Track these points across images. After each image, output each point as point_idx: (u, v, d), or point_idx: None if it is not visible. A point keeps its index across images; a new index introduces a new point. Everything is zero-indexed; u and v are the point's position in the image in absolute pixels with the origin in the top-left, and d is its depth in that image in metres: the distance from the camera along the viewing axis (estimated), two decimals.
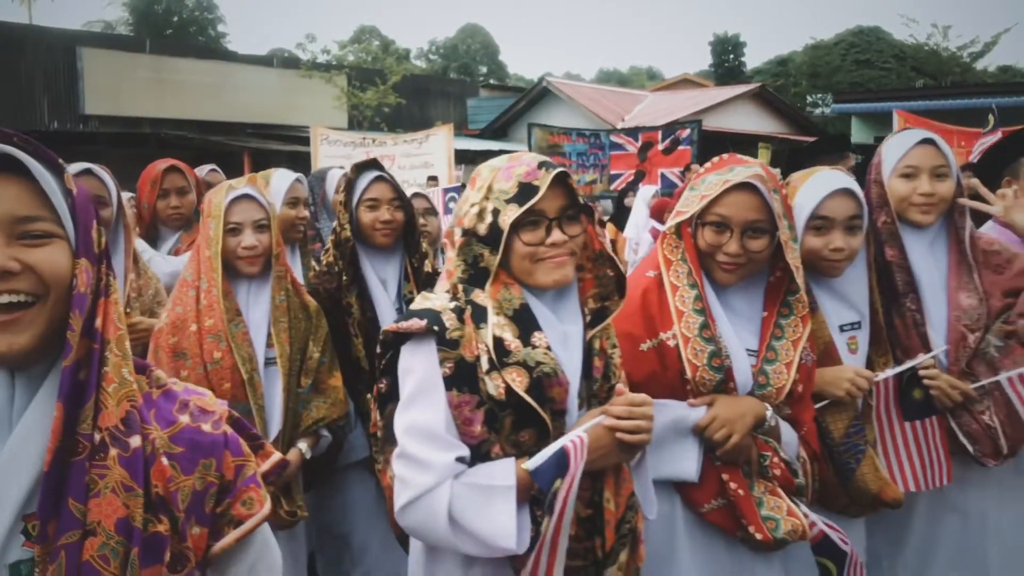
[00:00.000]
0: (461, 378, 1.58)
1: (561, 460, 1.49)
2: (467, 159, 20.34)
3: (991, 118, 9.23)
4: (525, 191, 1.59)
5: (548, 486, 1.47)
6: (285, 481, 2.35)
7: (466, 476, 1.57)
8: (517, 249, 1.62)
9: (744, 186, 1.94)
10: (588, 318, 1.73)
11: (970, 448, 2.31)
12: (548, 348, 1.61)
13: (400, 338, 1.65)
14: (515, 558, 1.54)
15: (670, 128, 14.99)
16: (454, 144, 20.13)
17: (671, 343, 1.96)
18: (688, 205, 2.02)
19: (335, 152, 13.52)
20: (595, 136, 15.31)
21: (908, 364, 2.29)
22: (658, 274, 2.05)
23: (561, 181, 1.62)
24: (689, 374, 1.94)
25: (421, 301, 1.67)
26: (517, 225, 1.61)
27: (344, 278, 2.62)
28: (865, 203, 2.27)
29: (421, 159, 13.48)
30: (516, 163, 1.65)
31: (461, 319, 1.62)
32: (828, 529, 2.00)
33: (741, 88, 25.79)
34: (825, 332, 2.29)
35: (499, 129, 22.90)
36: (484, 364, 1.58)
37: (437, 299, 1.67)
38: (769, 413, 1.97)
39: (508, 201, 1.60)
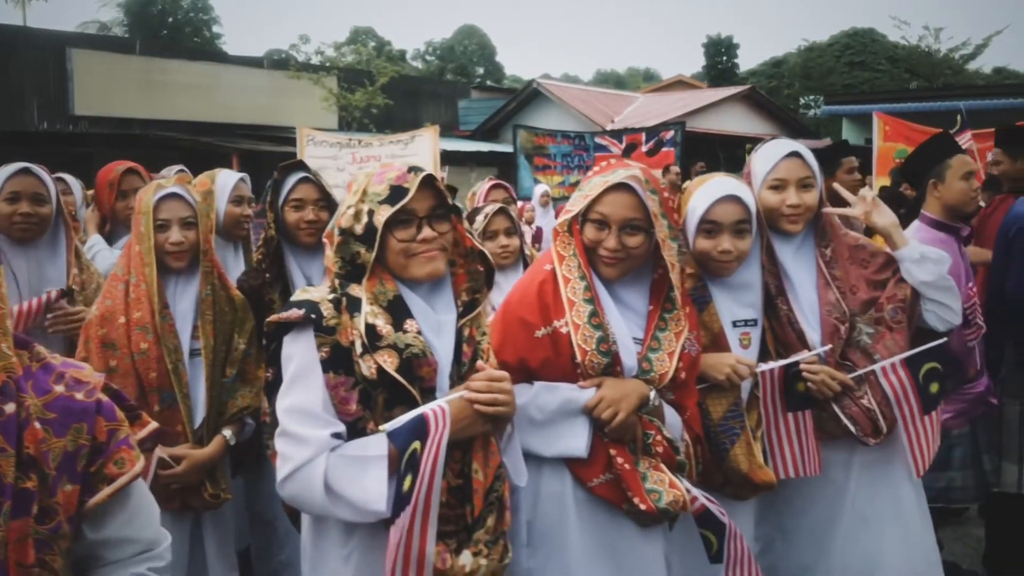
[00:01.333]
0: (337, 361, 1.74)
1: (419, 424, 1.65)
2: (457, 160, 20.47)
3: (959, 119, 9.36)
4: (396, 193, 1.75)
5: (404, 446, 1.62)
6: (210, 466, 2.49)
7: (342, 449, 1.73)
8: (392, 246, 1.79)
9: (623, 187, 2.09)
10: (461, 308, 1.89)
11: (852, 429, 2.47)
12: (419, 334, 1.77)
13: (282, 328, 1.79)
14: (390, 523, 1.67)
15: (654, 130, 15.14)
16: (445, 145, 20.32)
17: (563, 330, 2.11)
18: (575, 204, 2.18)
19: (321, 153, 13.58)
20: (580, 138, 15.43)
21: (792, 359, 2.45)
22: (553, 267, 2.20)
23: (429, 184, 1.77)
24: (579, 358, 2.09)
25: (301, 294, 1.83)
26: (391, 224, 1.76)
27: (268, 275, 2.76)
28: (753, 209, 2.41)
29: (407, 160, 13.48)
30: (388, 169, 1.82)
31: (338, 308, 1.78)
32: (708, 503, 2.16)
33: (732, 90, 25.96)
34: (716, 324, 2.44)
35: (490, 130, 23.04)
36: (358, 348, 1.74)
37: (316, 292, 1.84)
38: (652, 394, 2.12)
39: (381, 202, 1.76)
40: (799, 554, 2.63)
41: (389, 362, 1.71)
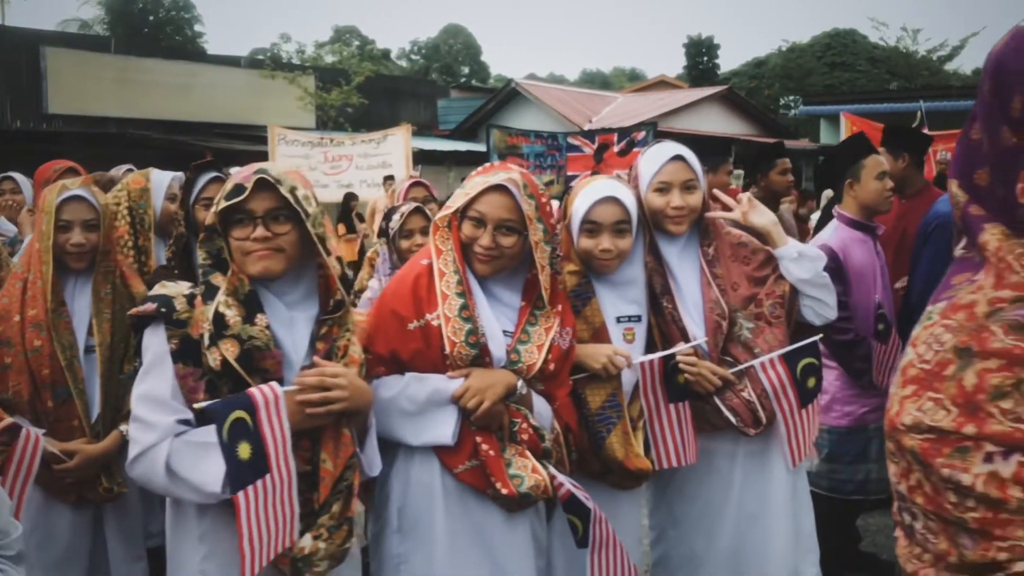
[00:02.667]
0: (186, 353, 1.82)
1: (241, 399, 1.73)
2: (436, 159, 20.57)
3: (919, 115, 9.47)
4: (235, 191, 1.82)
5: (222, 417, 1.70)
6: (104, 461, 2.54)
7: (186, 435, 1.82)
8: (232, 243, 1.86)
9: (502, 189, 2.17)
10: (330, 307, 1.95)
11: (733, 420, 2.55)
12: (267, 327, 1.84)
13: (143, 321, 1.86)
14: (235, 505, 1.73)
15: (627, 131, 15.21)
16: (423, 144, 20.38)
17: (435, 323, 2.18)
18: (455, 201, 2.25)
19: (293, 152, 13.73)
20: (553, 138, 15.46)
21: (669, 351, 2.52)
22: (430, 262, 2.27)
23: (267, 186, 1.83)
24: (448, 350, 2.16)
25: (159, 288, 1.90)
26: (231, 222, 1.84)
27: (176, 272, 2.81)
28: (633, 209, 2.48)
29: (379, 159, 13.68)
30: (245, 168, 1.87)
31: (191, 303, 1.86)
32: (575, 489, 2.23)
33: (709, 90, 26.10)
34: (598, 319, 2.51)
35: (469, 130, 23.11)
36: (206, 340, 1.81)
37: (175, 287, 1.90)
38: (520, 384, 2.20)
39: (224, 199, 1.82)
40: (689, 542, 2.71)
41: (230, 351, 1.79)
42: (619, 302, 2.56)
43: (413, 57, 57.87)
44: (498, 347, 2.21)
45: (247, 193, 1.80)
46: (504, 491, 2.11)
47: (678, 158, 2.60)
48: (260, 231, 1.83)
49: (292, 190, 1.84)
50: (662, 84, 33.81)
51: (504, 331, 2.25)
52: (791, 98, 33.57)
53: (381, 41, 55.81)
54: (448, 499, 2.18)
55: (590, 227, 2.45)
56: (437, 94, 26.24)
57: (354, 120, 18.98)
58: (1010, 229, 1.01)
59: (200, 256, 1.88)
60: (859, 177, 3.65)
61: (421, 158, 19.12)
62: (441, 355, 2.18)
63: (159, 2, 37.91)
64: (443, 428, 2.15)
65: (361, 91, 19.30)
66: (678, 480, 2.70)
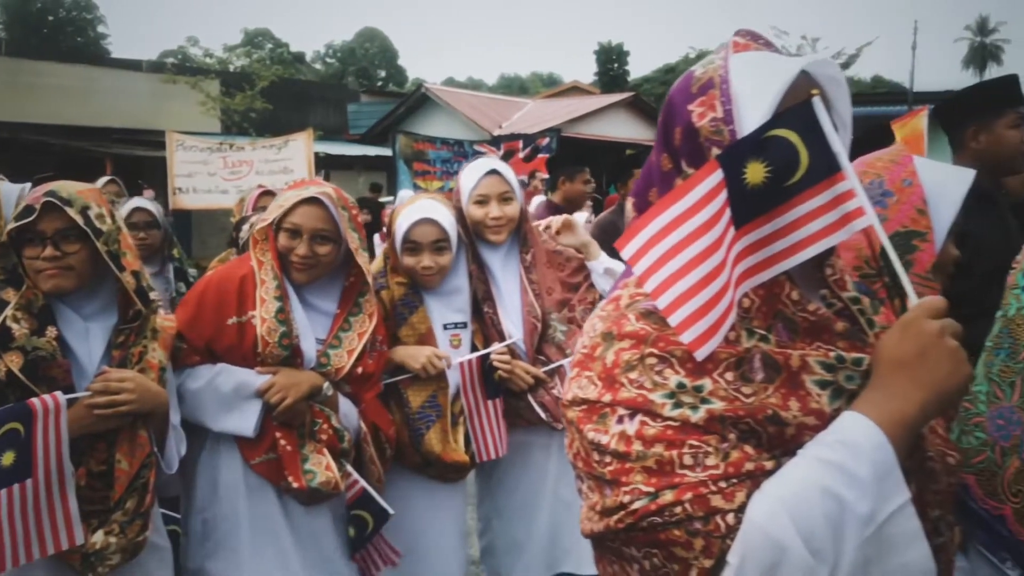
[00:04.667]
0: None
1: (15, 410, 1.85)
2: (344, 164, 20.49)
3: None
4: (25, 212, 1.95)
5: None
6: None
7: None
8: (24, 261, 1.99)
9: (315, 200, 2.34)
10: (129, 317, 2.08)
11: (543, 415, 2.76)
12: (56, 338, 1.96)
13: None
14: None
15: (531, 137, 15.52)
16: (332, 149, 20.26)
17: (253, 322, 2.32)
18: (271, 213, 2.41)
19: (191, 158, 13.49)
20: (459, 144, 15.69)
21: (484, 351, 2.73)
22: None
23: (54, 208, 1.94)
24: (260, 348, 2.31)
25: None
26: (22, 242, 1.96)
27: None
28: (450, 227, 2.68)
29: (280, 164, 13.54)
30: (38, 189, 1.99)
31: None
32: (370, 490, 2.41)
33: (616, 97, 26.68)
34: (424, 325, 2.71)
35: (380, 135, 23.09)
36: None
37: None
38: (326, 386, 2.35)
39: (15, 220, 1.94)
40: (512, 530, 2.91)
41: (15, 362, 1.90)
42: (446, 310, 2.77)
43: (328, 60, 57.33)
44: (310, 349, 2.37)
45: (35, 215, 1.92)
46: (295, 484, 2.27)
47: (494, 172, 2.81)
48: (49, 251, 1.94)
49: (84, 210, 1.95)
50: (575, 90, 34.35)
51: (317, 338, 2.41)
52: None
53: (295, 44, 54.97)
54: (250, 490, 2.32)
55: (411, 246, 2.64)
56: (348, 99, 26.12)
57: (260, 125, 18.72)
58: None
59: None
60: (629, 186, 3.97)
61: (329, 163, 19.04)
62: (254, 352, 2.32)
63: (59, 2, 36.61)
64: (246, 420, 2.29)
65: (268, 96, 19.07)
66: (499, 473, 2.91)
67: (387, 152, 20.44)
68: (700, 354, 1.03)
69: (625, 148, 19.46)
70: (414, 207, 2.68)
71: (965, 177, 1.64)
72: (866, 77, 38.11)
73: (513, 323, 2.79)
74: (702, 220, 1.05)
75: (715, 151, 1.13)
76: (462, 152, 15.59)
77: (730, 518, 1.02)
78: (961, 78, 53.46)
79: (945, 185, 1.64)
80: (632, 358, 1.12)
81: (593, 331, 1.19)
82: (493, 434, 2.74)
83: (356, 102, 25.84)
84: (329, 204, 2.34)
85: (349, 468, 2.38)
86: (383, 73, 56.67)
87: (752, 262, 1.09)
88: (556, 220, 2.95)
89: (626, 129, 24.80)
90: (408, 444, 2.65)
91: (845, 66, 33.40)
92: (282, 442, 2.29)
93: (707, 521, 1.02)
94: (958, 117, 3.26)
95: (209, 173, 13.30)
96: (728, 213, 1.06)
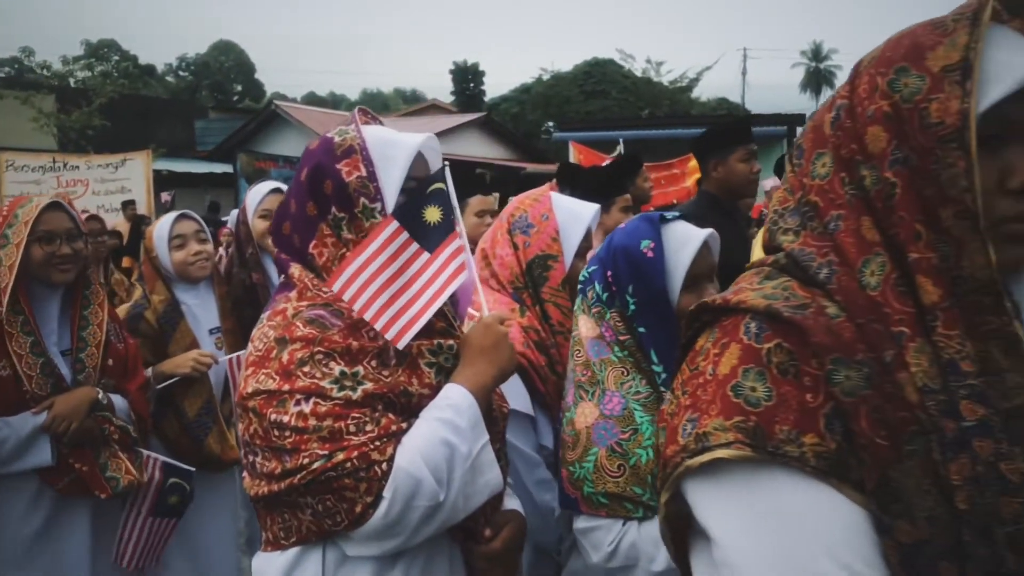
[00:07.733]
0: None
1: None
2: (191, 182, 20.07)
3: (618, 148, 10.73)
4: None
5: None
6: None
7: None
8: None
9: (57, 207, 2.50)
10: None
11: None
12: None
13: None
14: None
15: None
16: (177, 167, 19.81)
17: (5, 372, 2.36)
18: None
19: (23, 178, 13.00)
20: None
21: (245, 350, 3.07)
22: None
23: None
24: (27, 386, 2.40)
25: None
26: None
27: None
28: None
29: (117, 184, 13.26)
30: None
31: None
32: (166, 459, 2.69)
33: (470, 116, 27.37)
34: (190, 335, 3.03)
35: (228, 151, 22.76)
36: None
37: None
38: (100, 395, 2.53)
39: None
40: None
41: None
42: (210, 316, 3.12)
43: (181, 73, 55.44)
44: (64, 366, 2.49)
45: None
46: (103, 495, 2.48)
47: (277, 191, 3.25)
48: None
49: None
50: (434, 108, 34.86)
51: (63, 351, 2.51)
52: (550, 124, 35.73)
53: (145, 56, 52.71)
54: (58, 512, 2.50)
55: (177, 241, 3.01)
56: (197, 114, 25.57)
57: (100, 142, 18.10)
58: (303, 266, 1.63)
59: None
60: (464, 214, 4.39)
61: (175, 181, 18.63)
62: (20, 393, 2.38)
63: None
64: (41, 455, 2.41)
65: (110, 112, 18.50)
66: None
67: (232, 169, 20.25)
68: (401, 344, 1.52)
69: (476, 167, 20.03)
70: (168, 215, 3.09)
71: (589, 211, 2.14)
72: (710, 99, 40.45)
73: None
74: (389, 254, 1.55)
75: (363, 200, 1.56)
76: None
77: (384, 466, 1.46)
78: (799, 101, 57.63)
79: (574, 217, 2.14)
80: (304, 355, 1.52)
81: (266, 337, 1.57)
82: None
83: (205, 118, 25.35)
84: (66, 205, 2.53)
85: (148, 453, 2.66)
86: (239, 87, 55.33)
87: (444, 277, 1.58)
88: None
89: (480, 148, 25.46)
90: (189, 450, 2.95)
91: (688, 89, 35.43)
92: (77, 465, 2.46)
93: (368, 470, 1.46)
94: (703, 152, 3.90)
95: (41, 193, 12.83)
96: (412, 247, 1.56)
